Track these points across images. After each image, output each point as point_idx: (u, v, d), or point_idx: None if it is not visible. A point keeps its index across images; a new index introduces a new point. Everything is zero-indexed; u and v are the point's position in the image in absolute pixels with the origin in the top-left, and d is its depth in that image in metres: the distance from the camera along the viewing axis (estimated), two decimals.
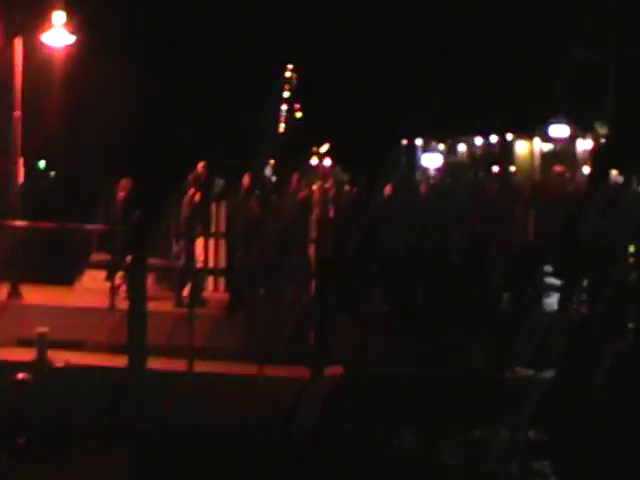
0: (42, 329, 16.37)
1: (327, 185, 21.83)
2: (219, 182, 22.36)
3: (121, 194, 20.19)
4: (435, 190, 23.19)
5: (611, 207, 20.00)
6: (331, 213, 19.46)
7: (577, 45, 54.57)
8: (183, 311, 17.29)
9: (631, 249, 20.04)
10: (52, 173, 34.83)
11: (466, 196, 24.38)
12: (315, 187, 21.54)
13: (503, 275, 19.80)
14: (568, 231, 20.35)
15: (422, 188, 21.61)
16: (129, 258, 17.07)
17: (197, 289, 18.57)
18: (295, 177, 21.46)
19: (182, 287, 18.70)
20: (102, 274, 19.08)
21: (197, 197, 19.52)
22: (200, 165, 20.14)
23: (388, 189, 20.19)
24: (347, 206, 21.07)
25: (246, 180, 20.31)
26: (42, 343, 16.28)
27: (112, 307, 17.85)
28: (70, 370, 16.09)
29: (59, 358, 16.35)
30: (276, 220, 19.64)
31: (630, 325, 19.06)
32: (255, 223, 19.19)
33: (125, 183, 20.49)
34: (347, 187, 27.28)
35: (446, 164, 65.63)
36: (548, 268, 21.49)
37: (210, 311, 18.29)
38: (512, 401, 16.23)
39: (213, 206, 20.41)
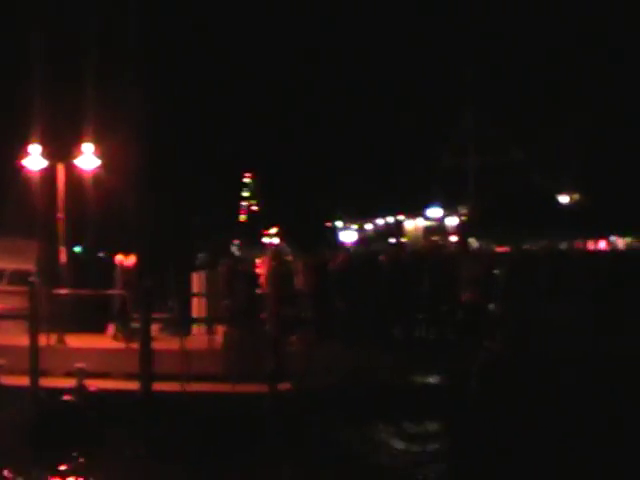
0: (80, 364, 16.36)
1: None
2: (201, 256, 22.29)
3: (223, 268, 19.18)
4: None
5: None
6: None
7: (445, 153, 56.09)
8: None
9: None
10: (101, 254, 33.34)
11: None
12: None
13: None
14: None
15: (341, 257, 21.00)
16: None
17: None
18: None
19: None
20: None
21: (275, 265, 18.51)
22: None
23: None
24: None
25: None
26: (81, 374, 16.26)
27: (127, 348, 17.75)
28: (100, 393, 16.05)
29: (93, 384, 16.32)
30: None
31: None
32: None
33: (227, 262, 19.60)
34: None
35: (358, 239, 66.19)
36: None
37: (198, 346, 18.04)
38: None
39: (195, 274, 20.14)
